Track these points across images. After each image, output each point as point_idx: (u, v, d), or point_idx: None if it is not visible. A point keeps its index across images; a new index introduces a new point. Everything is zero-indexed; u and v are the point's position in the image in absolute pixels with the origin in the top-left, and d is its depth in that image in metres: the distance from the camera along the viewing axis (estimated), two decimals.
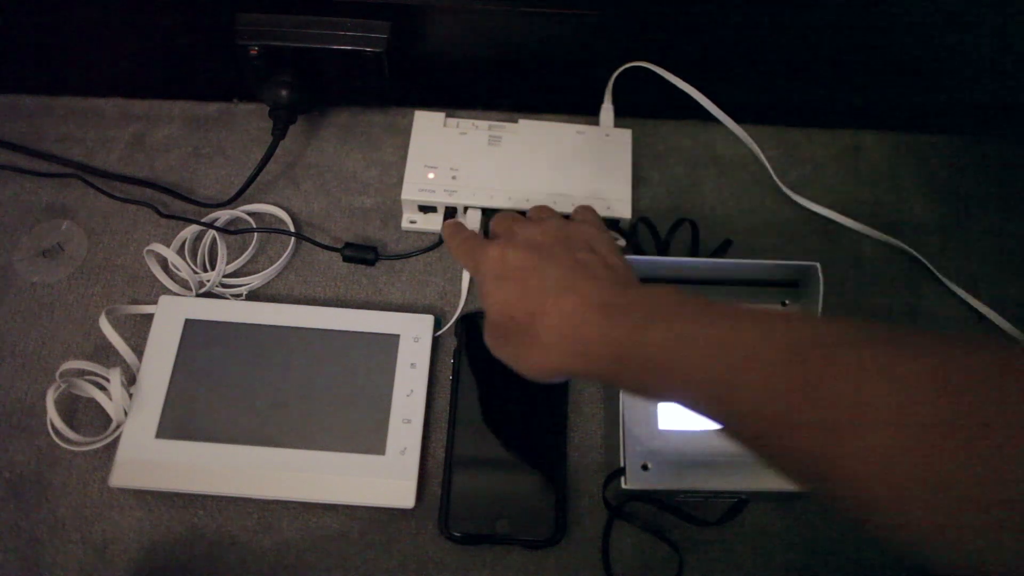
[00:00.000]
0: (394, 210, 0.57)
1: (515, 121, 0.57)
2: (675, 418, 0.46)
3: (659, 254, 0.53)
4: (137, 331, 0.52)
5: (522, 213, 0.55)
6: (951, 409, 0.24)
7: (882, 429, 0.25)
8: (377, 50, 0.54)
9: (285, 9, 0.54)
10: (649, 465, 0.44)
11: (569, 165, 0.55)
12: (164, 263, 0.54)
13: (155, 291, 0.54)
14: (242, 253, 0.55)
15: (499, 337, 0.40)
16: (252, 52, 0.54)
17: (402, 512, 0.48)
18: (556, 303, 0.37)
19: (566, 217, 0.45)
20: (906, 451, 0.24)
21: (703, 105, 0.56)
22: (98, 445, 0.48)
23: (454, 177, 0.55)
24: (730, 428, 0.31)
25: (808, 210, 0.58)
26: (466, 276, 0.54)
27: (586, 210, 0.47)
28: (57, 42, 0.58)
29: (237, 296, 0.53)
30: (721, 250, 0.54)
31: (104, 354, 0.51)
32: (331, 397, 0.49)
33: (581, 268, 0.38)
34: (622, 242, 0.56)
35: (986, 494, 0.23)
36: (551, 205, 0.53)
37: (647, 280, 0.49)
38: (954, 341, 0.27)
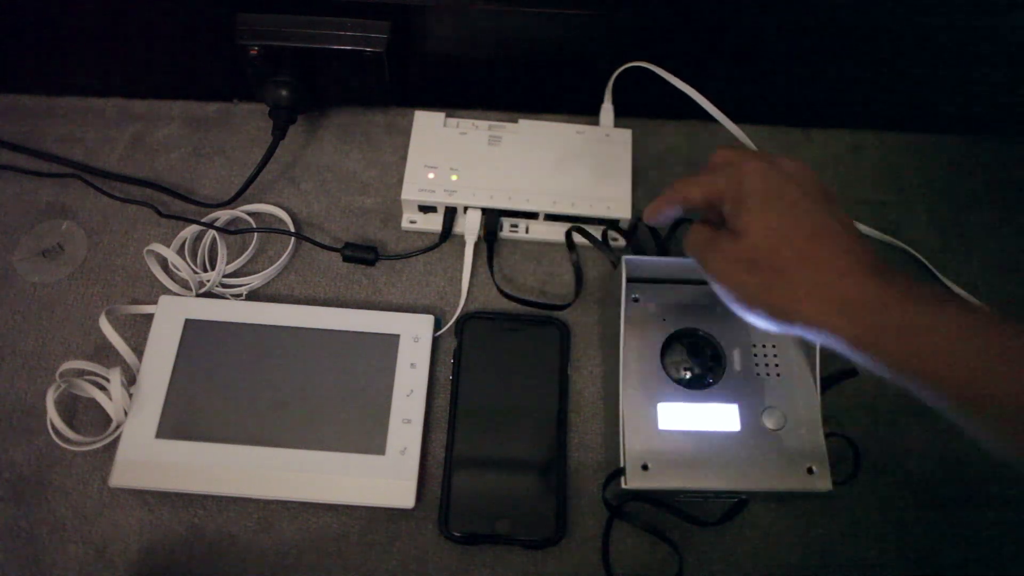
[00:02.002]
0: (394, 210, 0.57)
1: (515, 121, 0.57)
2: (675, 418, 0.46)
3: (659, 254, 0.53)
4: (137, 331, 0.52)
5: (531, 215, 0.55)
6: None
7: None
8: (377, 50, 0.54)
9: (285, 9, 0.54)
10: (649, 465, 0.44)
11: (569, 165, 0.55)
12: (164, 263, 0.54)
13: (155, 291, 0.54)
14: (242, 253, 0.55)
15: (747, 264, 0.36)
16: (252, 52, 0.54)
17: (402, 512, 0.48)
18: (834, 256, 0.35)
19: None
20: None
21: (703, 105, 0.56)
22: (98, 445, 0.48)
23: (454, 177, 0.55)
24: (975, 422, 0.32)
25: None
26: (467, 276, 0.54)
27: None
28: (57, 42, 0.58)
29: (237, 296, 0.53)
30: None
31: (104, 354, 0.51)
32: (331, 397, 0.49)
33: (851, 228, 0.36)
34: (622, 242, 0.56)
35: None
36: (551, 205, 0.54)
37: (645, 281, 0.49)
38: None
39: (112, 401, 0.47)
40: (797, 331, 0.36)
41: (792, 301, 0.35)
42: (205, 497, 0.48)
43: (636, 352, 0.47)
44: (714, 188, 0.39)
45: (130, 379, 0.49)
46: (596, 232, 0.54)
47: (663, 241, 0.54)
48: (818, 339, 0.35)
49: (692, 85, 0.56)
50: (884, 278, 0.34)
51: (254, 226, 0.56)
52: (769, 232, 0.36)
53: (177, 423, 0.48)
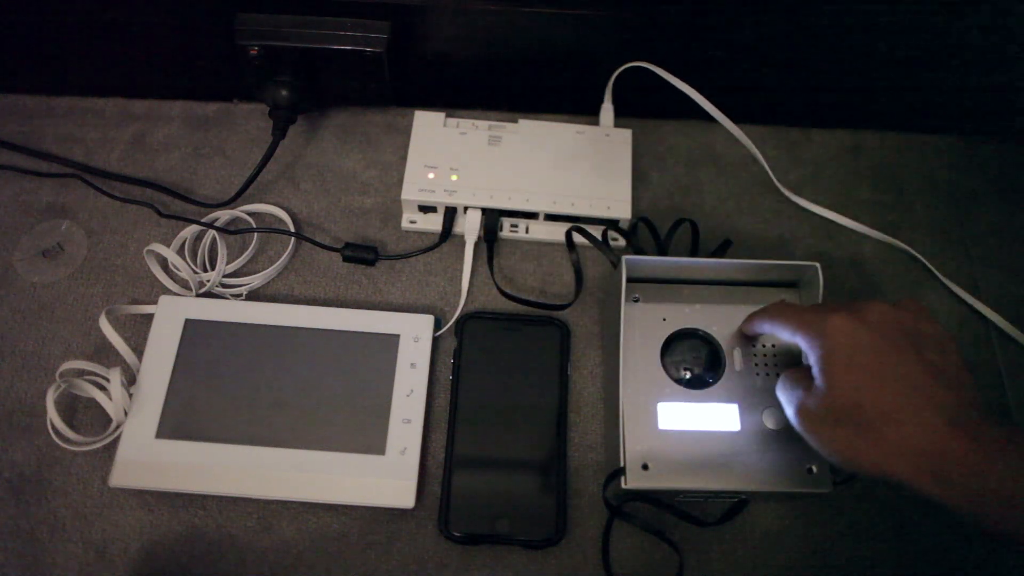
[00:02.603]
0: (394, 210, 0.57)
1: (515, 121, 0.57)
2: (675, 418, 0.46)
3: (659, 254, 0.53)
4: (137, 331, 0.52)
5: (531, 215, 0.55)
6: None
7: None
8: (377, 50, 0.54)
9: (285, 9, 0.54)
10: (649, 465, 0.44)
11: (569, 165, 0.55)
12: (164, 263, 0.54)
13: (155, 291, 0.54)
14: (242, 253, 0.55)
15: (832, 420, 0.37)
16: (252, 52, 0.54)
17: (402, 512, 0.48)
18: (916, 410, 0.35)
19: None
20: None
21: (703, 105, 0.56)
22: (98, 445, 0.48)
23: (454, 177, 0.55)
24: None
25: (808, 210, 0.58)
26: (467, 276, 0.54)
27: (916, 304, 0.41)
28: (57, 42, 0.58)
29: (237, 296, 0.53)
30: (721, 250, 0.54)
31: (104, 354, 0.51)
32: (331, 397, 0.49)
33: (939, 375, 0.36)
34: (622, 242, 0.56)
35: None
36: (551, 205, 0.54)
37: (645, 281, 0.49)
38: None
39: (112, 401, 0.47)
40: (885, 482, 0.36)
41: (878, 457, 0.35)
42: (205, 497, 0.48)
43: (636, 352, 0.47)
44: (801, 335, 0.40)
45: (130, 379, 0.49)
46: (596, 232, 0.54)
47: (663, 241, 0.54)
48: (911, 493, 0.35)
49: (692, 85, 0.56)
50: (973, 436, 0.34)
51: (254, 226, 0.56)
52: (852, 389, 0.37)
53: (177, 423, 0.48)
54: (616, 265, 0.48)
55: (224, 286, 0.54)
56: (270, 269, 0.54)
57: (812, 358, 0.39)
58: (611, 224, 0.54)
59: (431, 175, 0.55)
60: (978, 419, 0.35)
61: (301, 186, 0.59)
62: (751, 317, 0.46)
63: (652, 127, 0.61)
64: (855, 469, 0.37)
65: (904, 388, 0.36)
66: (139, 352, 0.50)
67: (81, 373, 0.49)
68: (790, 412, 0.40)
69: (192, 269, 0.53)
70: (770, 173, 0.58)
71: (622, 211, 0.54)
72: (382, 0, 0.53)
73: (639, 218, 0.54)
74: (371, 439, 0.48)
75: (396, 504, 0.46)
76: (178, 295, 0.53)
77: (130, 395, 0.48)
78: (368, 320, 0.51)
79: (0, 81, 0.61)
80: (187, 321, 0.51)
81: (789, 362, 0.47)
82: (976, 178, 0.61)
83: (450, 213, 0.55)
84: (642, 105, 0.59)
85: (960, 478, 0.33)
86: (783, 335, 0.42)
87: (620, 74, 0.57)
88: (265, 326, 0.51)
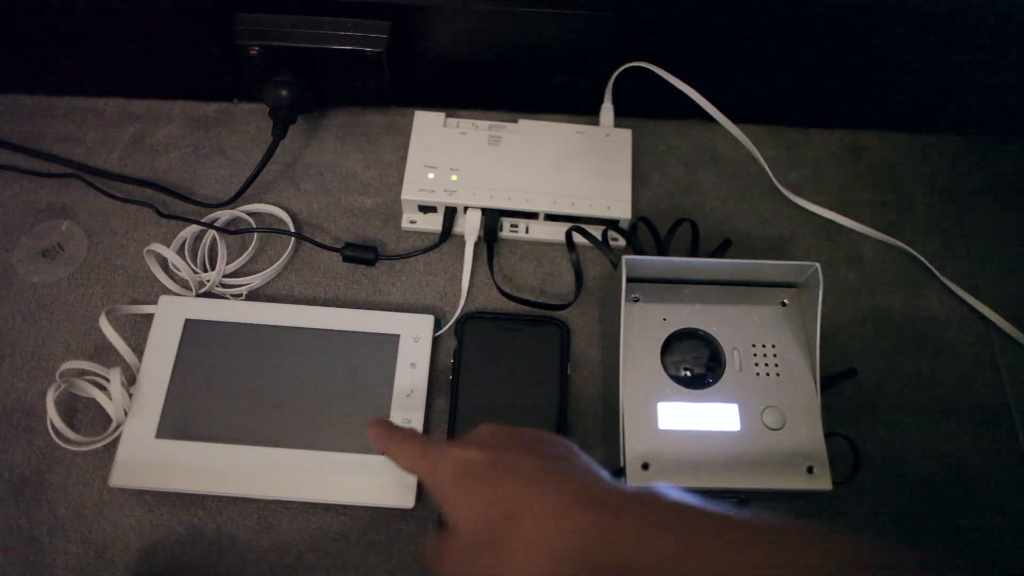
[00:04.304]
0: (394, 210, 0.58)
1: (515, 121, 0.57)
2: (675, 418, 0.46)
3: (659, 254, 0.53)
4: (137, 331, 0.52)
5: (531, 215, 0.55)
6: None
7: None
8: (377, 50, 0.54)
9: (285, 9, 0.54)
10: (649, 465, 0.44)
11: (569, 165, 0.55)
12: (164, 263, 0.54)
13: (155, 291, 0.54)
14: (242, 253, 0.55)
15: (465, 553, 0.34)
16: (252, 52, 0.54)
17: (402, 512, 0.48)
18: (538, 499, 0.33)
19: None
20: None
21: (703, 105, 0.56)
22: (98, 445, 0.48)
23: (454, 177, 0.55)
24: None
25: (808, 210, 0.58)
26: (467, 276, 0.54)
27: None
28: (57, 42, 0.58)
29: (237, 296, 0.53)
30: (721, 250, 0.54)
31: (104, 354, 0.51)
32: (331, 397, 0.49)
33: (554, 462, 0.35)
34: (622, 242, 0.56)
35: None
36: (551, 205, 0.54)
37: (645, 281, 0.49)
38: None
39: (112, 401, 0.47)
40: None
41: (521, 566, 0.32)
42: (205, 497, 0.48)
43: (636, 352, 0.47)
44: (417, 474, 0.39)
45: (130, 379, 0.49)
46: (596, 232, 0.54)
47: (663, 241, 0.54)
48: None
49: (692, 85, 0.56)
50: (603, 513, 0.32)
51: (254, 226, 0.56)
52: (472, 511, 0.34)
53: (177, 423, 0.48)
54: (616, 265, 0.48)
55: (224, 286, 0.54)
56: (270, 269, 0.54)
57: (433, 496, 0.37)
58: (611, 224, 0.54)
59: (431, 175, 0.55)
60: (602, 489, 0.33)
61: (301, 186, 0.59)
62: (374, 430, 0.43)
63: (652, 127, 0.61)
64: None
65: (525, 483, 0.34)
66: (139, 352, 0.50)
67: (81, 373, 0.49)
68: (426, 563, 0.37)
69: (192, 269, 0.53)
70: (770, 173, 0.58)
71: (622, 211, 0.54)
72: (382, 0, 0.53)
73: (639, 218, 0.54)
74: None
75: (396, 504, 0.46)
76: (178, 295, 0.53)
77: (130, 395, 0.48)
78: (368, 320, 0.51)
79: (0, 81, 0.61)
80: (187, 321, 0.51)
81: (790, 362, 0.47)
82: (976, 178, 0.61)
83: (450, 213, 0.55)
84: (642, 105, 0.59)
85: (584, 553, 0.31)
86: (401, 468, 0.43)
87: (620, 74, 0.57)
88: (265, 326, 0.51)
